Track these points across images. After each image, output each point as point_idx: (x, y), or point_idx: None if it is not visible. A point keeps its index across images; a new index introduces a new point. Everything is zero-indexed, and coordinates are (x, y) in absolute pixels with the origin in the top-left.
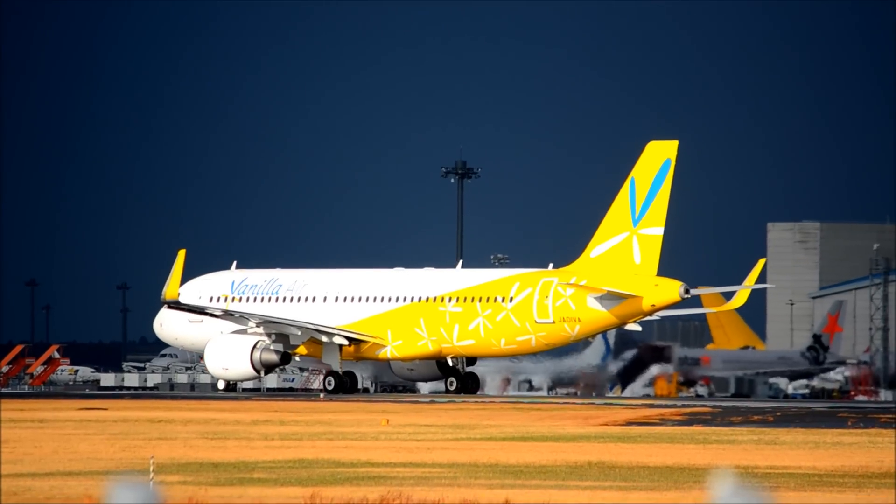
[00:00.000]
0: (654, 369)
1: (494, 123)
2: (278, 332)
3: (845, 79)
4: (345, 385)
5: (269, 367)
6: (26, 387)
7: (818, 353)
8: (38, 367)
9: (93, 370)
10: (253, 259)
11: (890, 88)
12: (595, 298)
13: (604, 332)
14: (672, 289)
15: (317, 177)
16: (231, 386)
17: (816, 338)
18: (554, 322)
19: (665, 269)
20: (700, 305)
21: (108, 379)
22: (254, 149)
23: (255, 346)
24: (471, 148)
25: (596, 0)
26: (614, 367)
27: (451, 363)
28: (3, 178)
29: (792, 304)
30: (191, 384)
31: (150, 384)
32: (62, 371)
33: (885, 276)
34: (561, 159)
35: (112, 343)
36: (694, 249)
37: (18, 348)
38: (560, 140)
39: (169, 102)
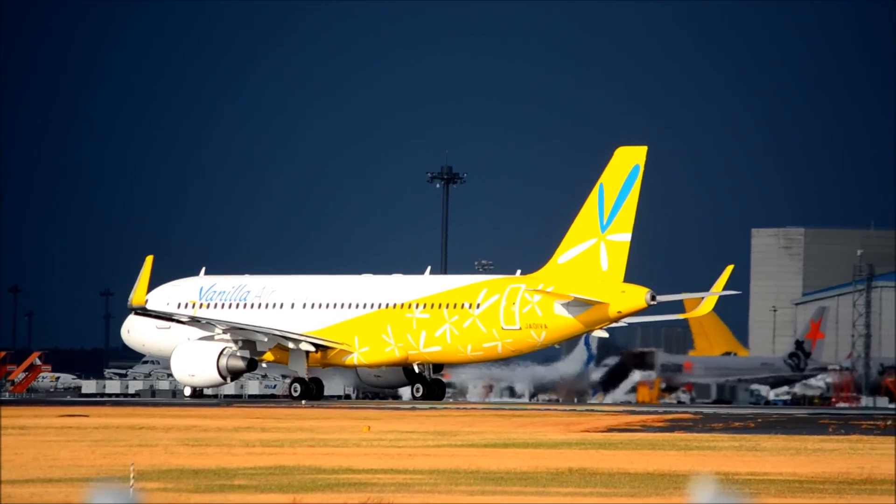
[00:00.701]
0: (636, 376)
1: (480, 128)
2: (245, 338)
3: (832, 84)
4: (311, 391)
5: (235, 374)
6: (7, 394)
7: (800, 360)
8: (19, 374)
9: (74, 377)
10: (243, 266)
11: (877, 94)
12: (562, 305)
13: (586, 339)
14: (638, 295)
15: (302, 182)
16: (198, 392)
17: (799, 344)
18: (520, 328)
19: (649, 276)
20: (684, 311)
21: (89, 386)
22: (239, 155)
23: (221, 353)
24: (456, 153)
25: (586, 1)
26: (596, 373)
27: (417, 370)
28: None
29: (775, 311)
30: (172, 391)
31: (131, 391)
32: (43, 378)
33: (869, 283)
34: (548, 164)
35: (94, 350)
36: (678, 255)
37: (0, 355)
38: (547, 145)
39: (158, 108)
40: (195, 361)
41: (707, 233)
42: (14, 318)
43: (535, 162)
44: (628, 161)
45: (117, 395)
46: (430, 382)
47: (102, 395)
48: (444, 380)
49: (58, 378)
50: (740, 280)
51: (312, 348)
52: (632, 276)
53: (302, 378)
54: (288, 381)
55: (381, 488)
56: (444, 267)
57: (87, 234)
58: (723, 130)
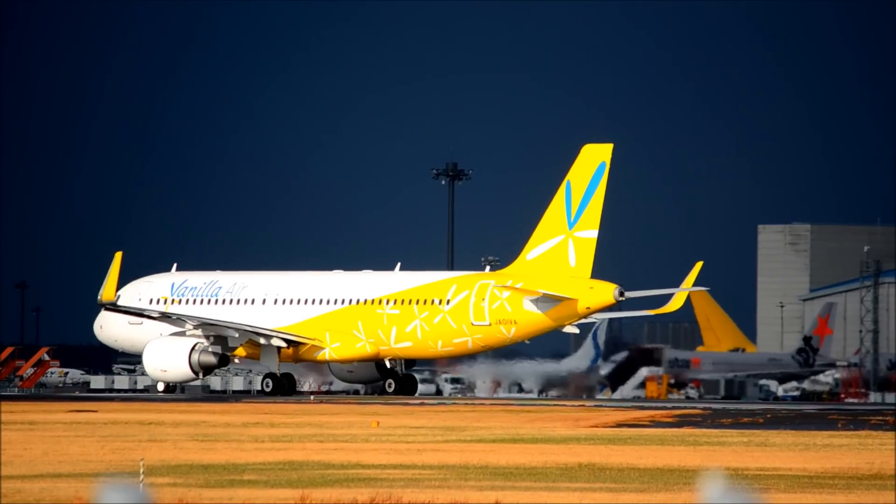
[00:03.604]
0: (645, 371)
1: (485, 124)
2: (216, 334)
3: (837, 80)
4: (283, 387)
5: (207, 369)
6: (16, 389)
7: (808, 356)
8: (28, 370)
9: (83, 372)
10: (244, 263)
11: (881, 90)
12: (531, 301)
13: (594, 334)
14: (607, 291)
15: (307, 178)
16: (170, 388)
17: (807, 340)
18: (490, 324)
19: (654, 271)
20: (691, 307)
21: (98, 381)
22: (253, 152)
23: (193, 348)
24: (462, 149)
25: (597, 0)
26: (604, 369)
27: (389, 365)
28: None
29: (782, 307)
30: (181, 386)
31: (140, 386)
32: (52, 373)
33: (876, 279)
34: (553, 161)
35: (102, 345)
36: (685, 251)
37: (8, 350)
38: (553, 141)
39: (161, 104)
40: (167, 357)
41: (714, 229)
42: (21, 313)
43: (541, 158)
44: (594, 158)
45: (126, 391)
46: (402, 378)
47: (111, 390)
48: (453, 375)
49: (66, 373)
50: (747, 276)
51: (284, 344)
52: (641, 274)
53: (273, 373)
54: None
55: (391, 483)
56: (450, 263)
57: (94, 231)
58: (729, 127)
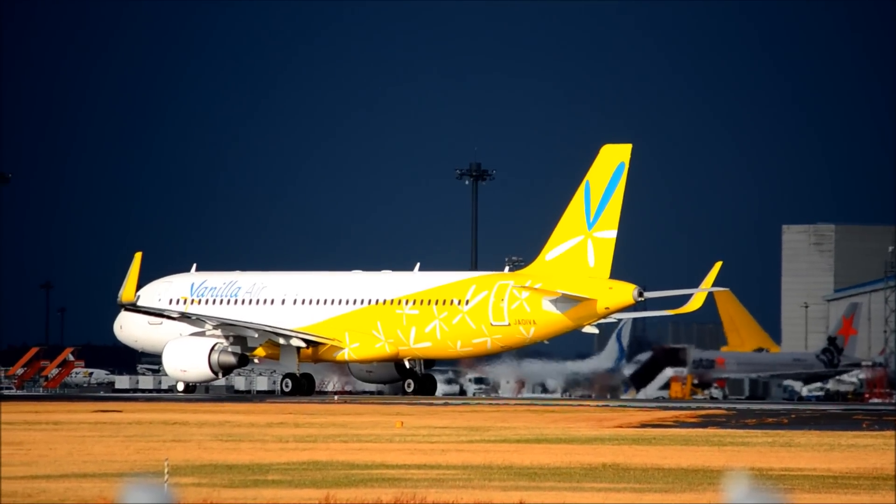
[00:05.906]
0: (669, 371)
1: (509, 125)
2: (236, 334)
3: (861, 80)
4: (302, 387)
5: (227, 369)
6: (41, 389)
7: (833, 356)
8: (53, 370)
9: (107, 372)
10: (263, 263)
11: None
12: (550, 301)
13: (618, 334)
14: (626, 291)
15: (328, 178)
16: (190, 388)
17: (831, 340)
18: (509, 325)
19: (675, 272)
20: (715, 307)
21: (122, 381)
22: (273, 152)
23: (213, 349)
24: (485, 149)
25: (617, 2)
26: (628, 369)
27: (408, 365)
28: (17, 179)
29: (807, 307)
30: (206, 386)
31: (164, 386)
32: (77, 373)
33: None
34: (577, 160)
35: (125, 345)
36: (708, 252)
37: (33, 351)
38: (576, 141)
39: (179, 103)
40: (187, 357)
41: (738, 229)
42: (47, 314)
43: (565, 158)
44: (614, 159)
45: (150, 391)
46: (421, 378)
47: (136, 390)
48: (477, 375)
49: (91, 373)
50: (771, 276)
51: (303, 344)
52: (662, 274)
53: (293, 373)
54: (321, 377)
55: (414, 483)
56: (474, 264)
57: (119, 231)
58: (753, 127)
